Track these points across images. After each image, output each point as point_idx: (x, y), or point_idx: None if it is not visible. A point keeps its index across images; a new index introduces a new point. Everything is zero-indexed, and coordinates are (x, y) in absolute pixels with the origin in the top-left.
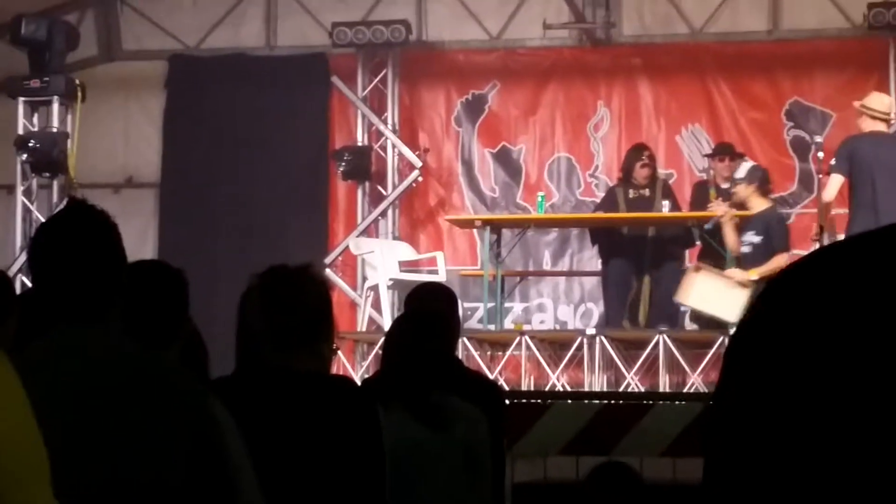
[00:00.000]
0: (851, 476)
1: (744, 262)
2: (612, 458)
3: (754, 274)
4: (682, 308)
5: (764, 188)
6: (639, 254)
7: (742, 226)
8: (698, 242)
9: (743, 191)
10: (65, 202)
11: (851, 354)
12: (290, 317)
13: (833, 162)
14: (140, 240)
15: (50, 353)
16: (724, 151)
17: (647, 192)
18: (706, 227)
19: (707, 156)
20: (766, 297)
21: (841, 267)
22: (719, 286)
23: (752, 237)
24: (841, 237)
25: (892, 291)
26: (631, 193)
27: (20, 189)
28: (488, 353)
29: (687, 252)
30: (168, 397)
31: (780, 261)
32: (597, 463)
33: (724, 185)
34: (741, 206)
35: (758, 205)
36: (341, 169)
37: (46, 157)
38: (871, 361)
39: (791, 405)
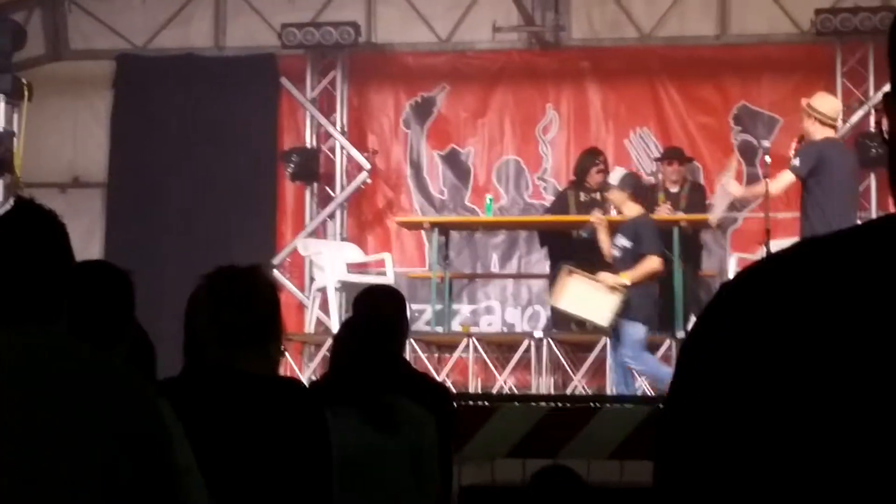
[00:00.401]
0: (808, 475)
1: (615, 266)
2: (556, 462)
3: (625, 278)
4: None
5: (636, 194)
6: (588, 256)
7: (613, 231)
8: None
9: (616, 196)
10: (12, 201)
11: (804, 353)
12: (237, 317)
13: (796, 161)
14: (87, 240)
15: None
16: (673, 155)
17: (598, 195)
18: (582, 233)
19: (657, 160)
20: (720, 299)
21: (793, 269)
22: (591, 290)
23: (623, 241)
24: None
25: (841, 294)
26: (582, 197)
27: None
28: (436, 355)
29: None
30: (114, 397)
31: (650, 264)
32: (540, 467)
33: (673, 189)
34: (687, 209)
35: (630, 210)
36: (289, 170)
37: None
38: (821, 360)
39: (741, 404)
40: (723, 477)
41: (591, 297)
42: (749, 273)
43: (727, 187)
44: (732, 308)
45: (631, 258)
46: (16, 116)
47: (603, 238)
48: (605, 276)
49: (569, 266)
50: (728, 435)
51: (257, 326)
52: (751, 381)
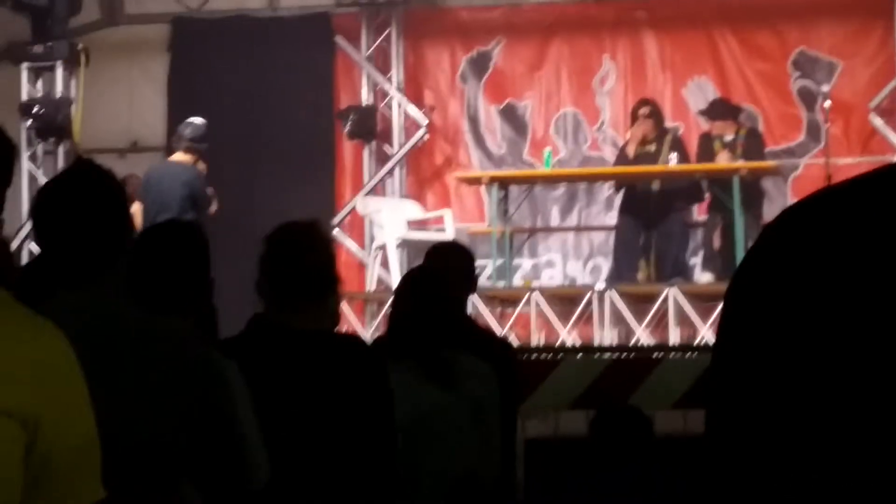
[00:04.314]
0: (851, 427)
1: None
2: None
3: None
4: (692, 261)
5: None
6: (646, 209)
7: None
8: (707, 195)
9: None
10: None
11: (851, 298)
12: (292, 274)
13: None
14: None
15: (56, 315)
16: (715, 113)
17: (652, 147)
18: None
19: (700, 113)
20: (765, 240)
21: (841, 209)
22: None
23: None
24: None
25: (892, 234)
26: (640, 150)
27: (25, 155)
28: (498, 310)
29: (695, 206)
30: (173, 360)
31: None
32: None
33: (729, 138)
34: (744, 157)
35: None
36: (347, 129)
37: (51, 123)
38: (869, 305)
39: (790, 351)
40: (766, 425)
41: None
42: (788, 214)
43: None
44: (770, 252)
45: None
46: (73, 83)
47: None
48: None
49: None
50: (767, 382)
51: (312, 282)
52: (785, 329)
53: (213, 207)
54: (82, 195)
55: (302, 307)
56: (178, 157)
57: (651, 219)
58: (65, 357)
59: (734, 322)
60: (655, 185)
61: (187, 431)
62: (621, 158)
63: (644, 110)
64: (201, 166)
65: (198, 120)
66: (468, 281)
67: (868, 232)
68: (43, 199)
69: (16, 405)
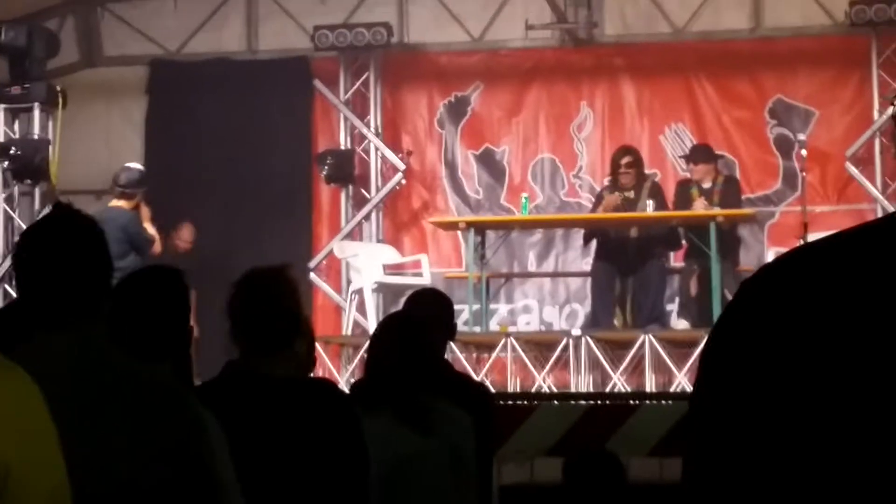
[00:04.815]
0: (828, 475)
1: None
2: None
3: None
4: (668, 307)
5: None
6: (623, 255)
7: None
8: (684, 242)
9: None
10: (50, 208)
11: (829, 357)
12: (259, 321)
13: None
14: None
15: (31, 360)
16: (698, 157)
17: (631, 193)
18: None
19: (682, 157)
20: (743, 296)
21: (820, 265)
22: None
23: None
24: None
25: (871, 291)
26: (616, 195)
27: (1, 196)
28: (474, 355)
29: (672, 253)
30: (152, 407)
31: None
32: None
33: (706, 185)
34: (721, 204)
35: None
36: (324, 172)
37: (28, 164)
38: (846, 365)
39: (767, 410)
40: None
41: None
42: (767, 271)
43: None
44: (749, 307)
45: None
46: (51, 124)
47: None
48: None
49: None
50: (746, 435)
51: (278, 328)
52: (764, 383)
53: (157, 248)
54: (65, 239)
55: (270, 353)
56: (115, 202)
57: (628, 265)
58: (33, 402)
59: (711, 378)
60: (633, 232)
61: (164, 478)
62: (598, 202)
63: (626, 160)
64: (144, 210)
65: (133, 165)
66: (447, 328)
67: (846, 292)
68: (25, 243)
69: None
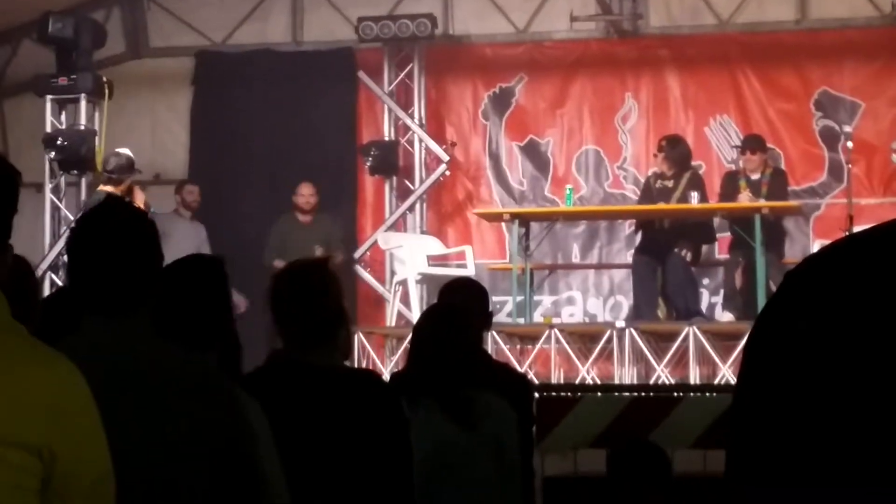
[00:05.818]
0: (874, 476)
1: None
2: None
3: None
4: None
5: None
6: (660, 246)
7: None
8: (727, 234)
9: None
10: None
11: (873, 350)
12: (298, 313)
13: None
14: None
15: (81, 348)
16: (754, 145)
17: (670, 182)
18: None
19: (735, 147)
20: (787, 288)
21: (864, 256)
22: None
23: None
24: None
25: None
26: (658, 184)
27: (49, 187)
28: (517, 346)
29: (704, 246)
30: (197, 398)
31: None
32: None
33: (754, 177)
34: (769, 196)
35: None
36: (368, 164)
37: (74, 155)
38: (890, 351)
39: (810, 398)
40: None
41: None
42: (811, 263)
43: None
44: (793, 299)
45: None
46: (97, 115)
47: None
48: None
49: None
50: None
51: (320, 322)
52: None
53: None
54: (117, 229)
55: (312, 344)
56: (102, 187)
57: (662, 258)
58: (78, 391)
59: (755, 371)
60: (665, 224)
61: (209, 468)
62: (644, 191)
63: (659, 146)
64: (139, 195)
65: (122, 151)
66: (484, 317)
67: (890, 283)
68: (79, 232)
69: (32, 438)
